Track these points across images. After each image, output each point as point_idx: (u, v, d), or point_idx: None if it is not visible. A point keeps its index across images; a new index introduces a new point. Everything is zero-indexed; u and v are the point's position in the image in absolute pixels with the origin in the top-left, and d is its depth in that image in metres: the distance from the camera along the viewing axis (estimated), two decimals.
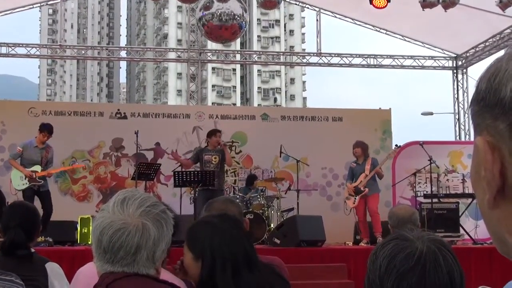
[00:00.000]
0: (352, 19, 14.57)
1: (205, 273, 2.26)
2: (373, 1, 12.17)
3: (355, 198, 9.88)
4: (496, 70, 0.72)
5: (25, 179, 9.09)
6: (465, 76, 15.35)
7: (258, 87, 78.24)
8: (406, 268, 1.45)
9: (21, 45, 14.40)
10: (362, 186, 9.85)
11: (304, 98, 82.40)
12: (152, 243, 1.64)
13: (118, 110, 12.79)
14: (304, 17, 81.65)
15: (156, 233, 1.65)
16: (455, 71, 15.37)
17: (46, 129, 9.22)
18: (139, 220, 1.65)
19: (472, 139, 14.59)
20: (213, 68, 74.57)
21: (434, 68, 15.48)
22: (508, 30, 13.22)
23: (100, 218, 1.69)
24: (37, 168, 9.13)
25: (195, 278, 2.32)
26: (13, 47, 14.20)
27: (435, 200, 10.62)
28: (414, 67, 15.38)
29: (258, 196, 10.27)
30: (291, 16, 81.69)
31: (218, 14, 12.84)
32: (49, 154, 9.30)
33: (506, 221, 0.73)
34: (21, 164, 9.19)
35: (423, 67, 15.40)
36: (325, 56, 14.99)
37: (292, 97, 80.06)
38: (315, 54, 15.09)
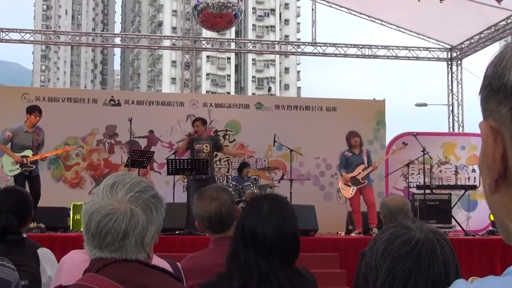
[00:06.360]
0: (348, 9, 14.54)
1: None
2: None
3: (353, 189, 9.90)
4: (502, 56, 0.74)
5: (17, 164, 9.03)
6: (459, 67, 15.35)
7: (252, 76, 78.12)
8: (401, 253, 1.46)
9: (14, 31, 14.28)
10: (361, 178, 9.89)
11: (299, 88, 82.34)
12: (140, 229, 1.62)
13: (112, 97, 12.75)
14: (299, 7, 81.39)
15: (145, 218, 1.63)
16: (449, 62, 15.37)
17: (37, 109, 9.13)
18: (127, 206, 1.62)
19: (465, 131, 14.65)
20: (207, 57, 74.36)
21: (429, 59, 15.47)
22: (503, 23, 13.22)
23: (89, 202, 1.67)
24: (28, 153, 9.03)
25: None
26: (6, 33, 14.09)
27: (427, 191, 10.64)
28: (409, 58, 15.38)
29: (251, 185, 10.28)
30: (286, 5, 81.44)
31: (213, 2, 12.80)
32: (40, 137, 9.19)
33: (507, 206, 0.73)
34: (12, 149, 9.06)
35: (417, 58, 15.40)
36: (320, 46, 14.96)
37: (287, 87, 79.99)
38: (310, 44, 15.06)
